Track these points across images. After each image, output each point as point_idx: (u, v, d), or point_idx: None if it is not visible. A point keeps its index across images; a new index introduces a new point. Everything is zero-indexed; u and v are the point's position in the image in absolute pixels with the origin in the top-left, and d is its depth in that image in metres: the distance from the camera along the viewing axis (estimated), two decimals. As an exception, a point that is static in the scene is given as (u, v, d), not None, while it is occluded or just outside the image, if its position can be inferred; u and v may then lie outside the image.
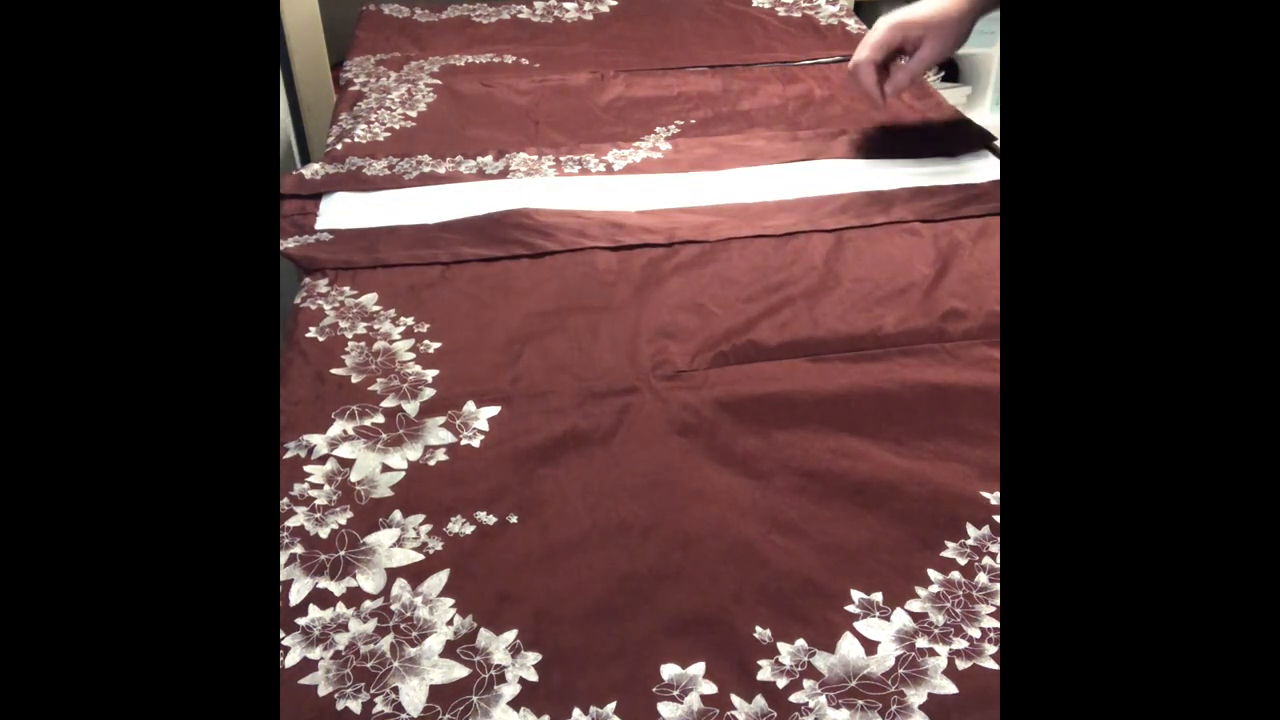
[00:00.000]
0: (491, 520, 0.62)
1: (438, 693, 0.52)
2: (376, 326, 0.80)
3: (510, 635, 0.54)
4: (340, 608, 0.56)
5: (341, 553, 0.60)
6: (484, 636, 0.54)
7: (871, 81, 1.05)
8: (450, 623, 0.55)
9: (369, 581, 0.58)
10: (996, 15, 1.07)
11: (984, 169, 1.05)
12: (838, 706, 0.51)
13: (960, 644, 0.54)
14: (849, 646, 0.54)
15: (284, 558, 0.59)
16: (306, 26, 1.51)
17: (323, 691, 0.52)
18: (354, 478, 0.66)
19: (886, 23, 1.03)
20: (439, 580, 0.58)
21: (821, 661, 0.53)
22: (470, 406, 0.72)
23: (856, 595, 0.57)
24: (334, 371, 0.75)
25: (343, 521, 0.62)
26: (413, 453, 0.68)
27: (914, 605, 0.56)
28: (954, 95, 2.08)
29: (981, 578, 0.58)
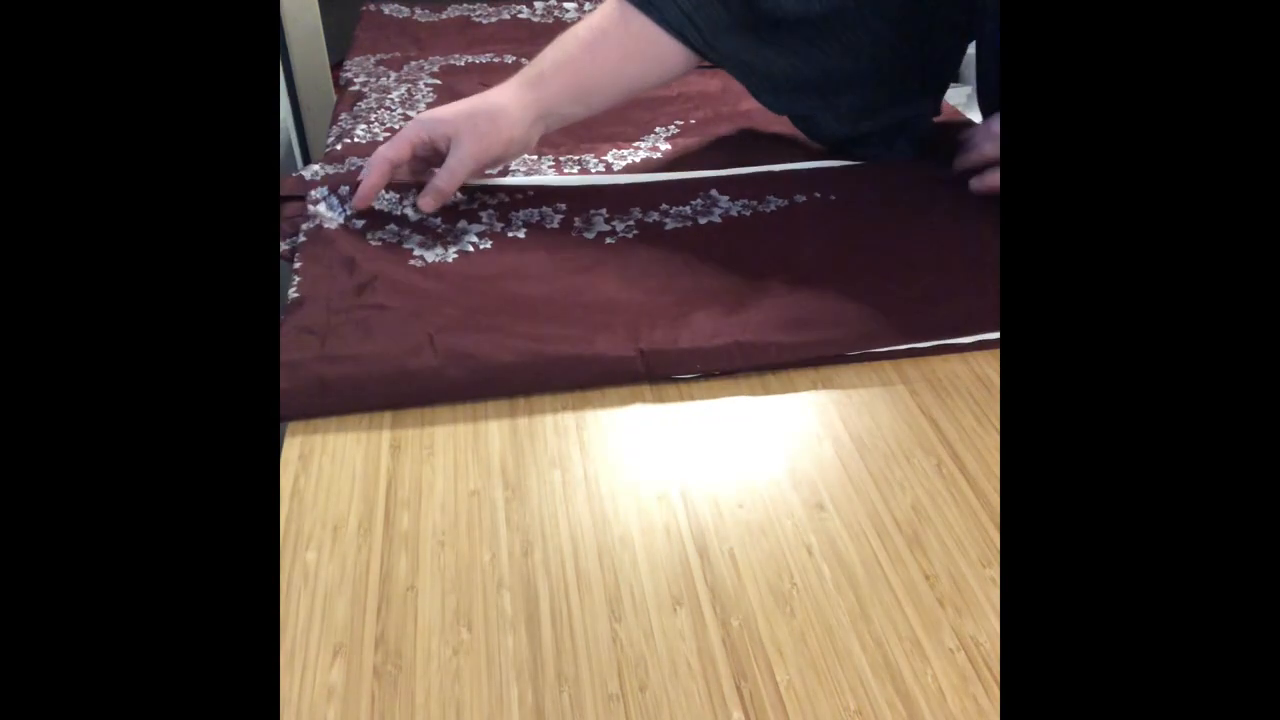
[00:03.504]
0: None
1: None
2: (376, 327, 0.81)
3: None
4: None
5: None
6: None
7: (375, 183, 0.88)
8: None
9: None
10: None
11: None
12: None
13: None
14: None
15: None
16: (306, 26, 1.51)
17: None
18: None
19: (416, 119, 0.89)
20: None
21: None
22: None
23: None
24: (334, 372, 0.76)
25: None
26: None
27: None
28: (954, 95, 2.08)
29: None
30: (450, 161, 0.87)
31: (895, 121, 1.03)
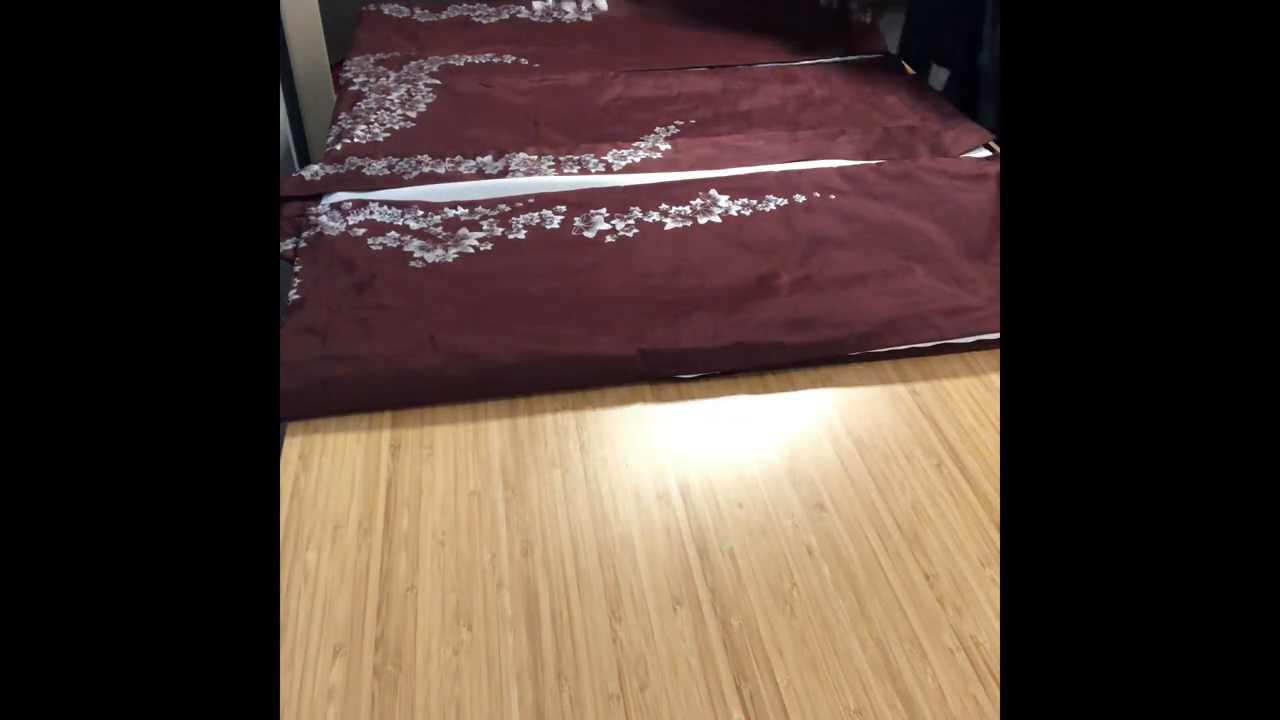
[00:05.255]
0: None
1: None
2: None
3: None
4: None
5: None
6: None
7: None
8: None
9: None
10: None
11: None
12: None
13: None
14: None
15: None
16: (306, 26, 1.50)
17: None
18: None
19: None
20: None
21: None
22: None
23: None
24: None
25: None
26: None
27: None
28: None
29: None
30: None
31: None
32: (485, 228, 0.93)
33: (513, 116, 1.17)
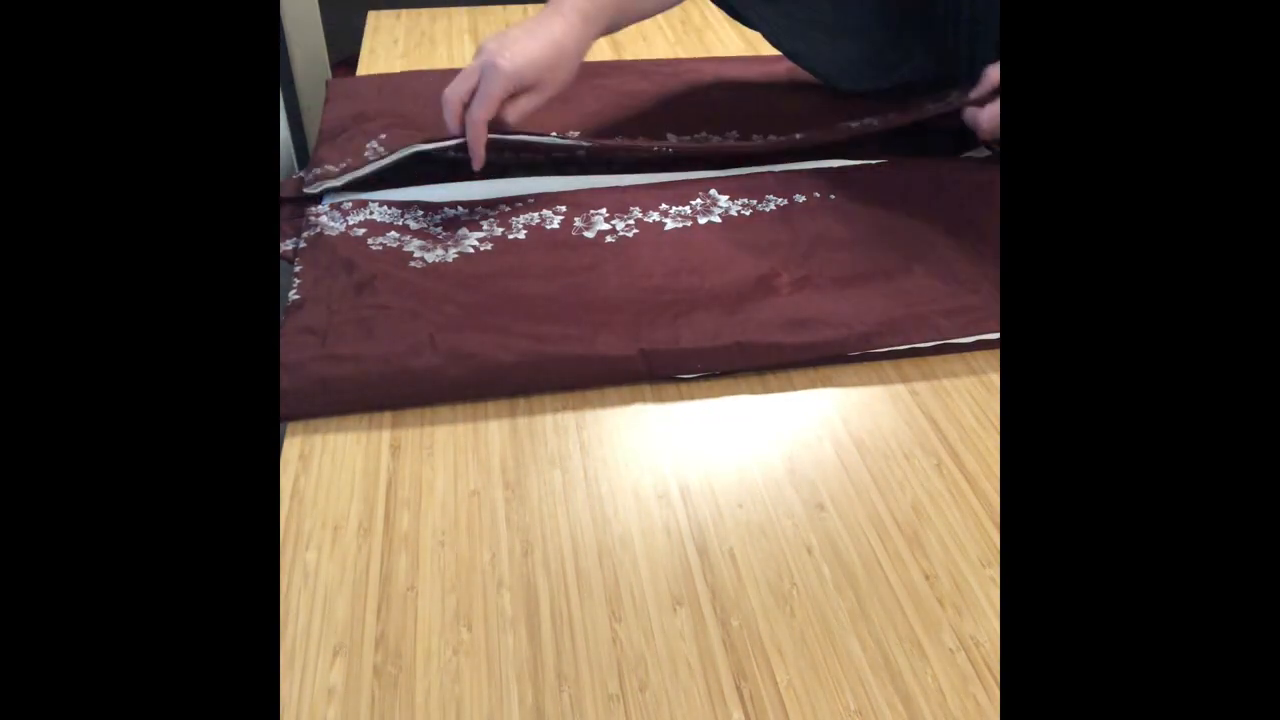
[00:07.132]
0: None
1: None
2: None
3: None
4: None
5: None
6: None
7: (481, 152, 0.92)
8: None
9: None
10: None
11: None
12: None
13: None
14: None
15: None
16: (306, 27, 1.51)
17: None
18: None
19: (499, 72, 0.87)
20: None
21: None
22: None
23: None
24: (334, 372, 0.76)
25: None
26: None
27: None
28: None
29: None
30: (526, 104, 0.93)
31: (907, 81, 1.15)
32: (485, 228, 0.93)
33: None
